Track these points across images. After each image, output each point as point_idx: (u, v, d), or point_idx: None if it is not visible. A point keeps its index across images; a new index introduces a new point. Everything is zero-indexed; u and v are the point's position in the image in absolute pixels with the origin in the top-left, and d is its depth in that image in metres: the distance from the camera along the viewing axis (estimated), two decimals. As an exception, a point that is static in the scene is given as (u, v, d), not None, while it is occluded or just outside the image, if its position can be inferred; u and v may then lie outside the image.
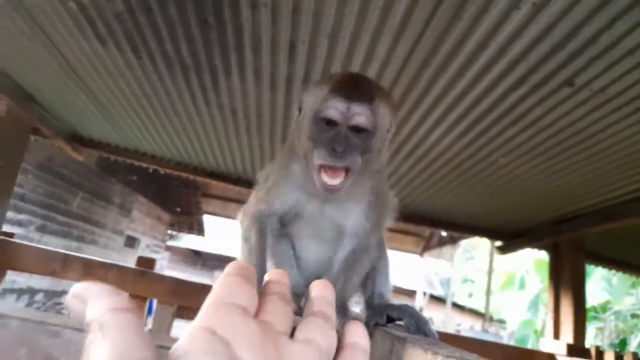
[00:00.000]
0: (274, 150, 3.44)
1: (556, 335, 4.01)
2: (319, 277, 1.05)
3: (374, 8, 1.81)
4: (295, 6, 1.88)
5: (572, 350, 3.75)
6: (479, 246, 19.68)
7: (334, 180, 0.94)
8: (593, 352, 3.68)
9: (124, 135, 3.77)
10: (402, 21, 1.87)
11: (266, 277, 0.57)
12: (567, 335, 3.92)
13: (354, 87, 0.98)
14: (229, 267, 0.50)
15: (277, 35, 2.10)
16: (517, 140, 2.65)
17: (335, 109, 0.95)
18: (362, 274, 1.12)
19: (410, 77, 2.23)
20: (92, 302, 0.39)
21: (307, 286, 1.09)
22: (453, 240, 10.32)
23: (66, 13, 2.20)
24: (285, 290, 0.53)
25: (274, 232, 1.22)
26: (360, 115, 0.94)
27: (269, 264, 1.23)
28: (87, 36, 2.36)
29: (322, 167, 0.95)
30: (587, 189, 3.16)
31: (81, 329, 0.74)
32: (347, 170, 0.95)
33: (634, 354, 3.38)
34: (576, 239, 4.00)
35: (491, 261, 12.94)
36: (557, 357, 3.80)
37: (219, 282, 0.48)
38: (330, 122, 0.96)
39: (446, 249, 12.61)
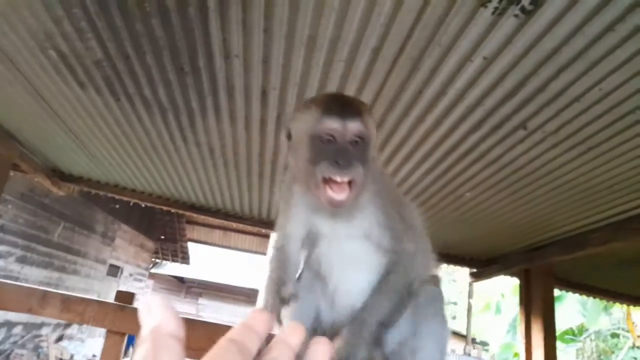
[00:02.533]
0: (251, 183, 3.53)
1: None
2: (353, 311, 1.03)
3: (338, 60, 1.94)
4: (265, 57, 2.00)
5: (544, 375, 3.84)
6: (461, 269, 19.79)
7: (340, 195, 0.97)
8: (565, 378, 3.77)
9: (104, 170, 3.83)
10: (365, 72, 2.00)
11: (281, 331, 0.62)
12: (539, 359, 4.01)
13: (344, 105, 1.05)
14: (246, 316, 0.58)
15: (250, 83, 2.21)
16: (481, 176, 2.78)
17: (332, 127, 1.00)
18: (392, 297, 0.99)
19: (376, 120, 2.35)
20: (153, 317, 0.45)
21: (342, 323, 1.06)
22: (435, 264, 10.41)
23: (46, 60, 2.29)
24: (294, 342, 0.59)
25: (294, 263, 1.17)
26: (355, 129, 1.01)
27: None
28: (67, 81, 2.45)
29: (326, 183, 0.98)
30: (552, 220, 3.30)
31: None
32: (350, 184, 0.98)
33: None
34: (545, 266, 4.12)
35: (471, 284, 13.01)
36: (532, 382, 3.88)
37: (232, 329, 0.54)
38: (328, 140, 1.01)
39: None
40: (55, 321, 8.87)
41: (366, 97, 2.16)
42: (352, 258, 1.11)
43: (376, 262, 1.09)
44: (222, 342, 0.53)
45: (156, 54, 2.13)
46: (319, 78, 2.09)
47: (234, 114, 2.54)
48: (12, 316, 7.54)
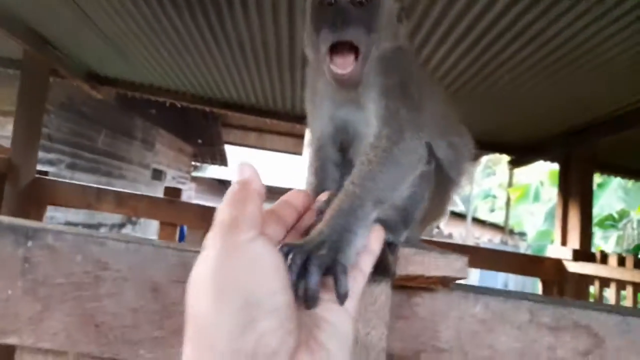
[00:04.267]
0: (283, 77, 3.52)
1: (564, 242, 4.20)
2: None
3: None
4: None
5: (577, 255, 3.95)
6: (500, 161, 19.60)
7: (344, 69, 0.87)
8: (598, 256, 3.88)
9: (139, 72, 3.88)
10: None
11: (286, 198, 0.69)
12: (574, 241, 4.10)
13: None
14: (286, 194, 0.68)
15: (275, -36, 2.13)
16: (521, 56, 2.67)
17: None
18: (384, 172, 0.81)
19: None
20: (244, 175, 0.54)
21: None
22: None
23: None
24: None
25: (332, 163, 1.07)
26: None
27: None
28: (92, -22, 2.43)
29: (330, 56, 0.88)
30: (596, 100, 3.19)
31: (120, 240, 0.93)
32: (356, 54, 0.88)
33: (635, 255, 3.55)
34: (586, 150, 4.06)
35: (511, 175, 12.99)
36: (564, 262, 4.02)
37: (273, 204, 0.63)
38: (329, 3, 0.89)
39: (466, 167, 12.67)
40: (110, 222, 9.56)
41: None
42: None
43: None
44: (264, 212, 0.61)
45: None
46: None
47: (260, 3, 2.47)
48: (72, 217, 8.15)
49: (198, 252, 0.89)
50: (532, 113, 3.62)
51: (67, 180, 3.68)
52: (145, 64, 3.63)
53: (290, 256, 0.58)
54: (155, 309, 0.93)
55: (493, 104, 3.51)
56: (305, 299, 0.55)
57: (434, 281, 0.91)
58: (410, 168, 0.88)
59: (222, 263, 0.48)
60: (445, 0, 2.24)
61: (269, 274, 0.49)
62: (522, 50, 2.61)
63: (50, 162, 7.48)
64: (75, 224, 8.44)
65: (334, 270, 0.59)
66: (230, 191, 0.53)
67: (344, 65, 0.87)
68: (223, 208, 0.52)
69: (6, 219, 0.95)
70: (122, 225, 10.31)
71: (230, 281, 0.47)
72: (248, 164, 0.56)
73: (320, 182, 1.03)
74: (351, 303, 0.59)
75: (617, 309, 0.97)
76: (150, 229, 9.97)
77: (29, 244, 0.93)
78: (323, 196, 0.80)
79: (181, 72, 3.70)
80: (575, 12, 2.18)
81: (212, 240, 0.50)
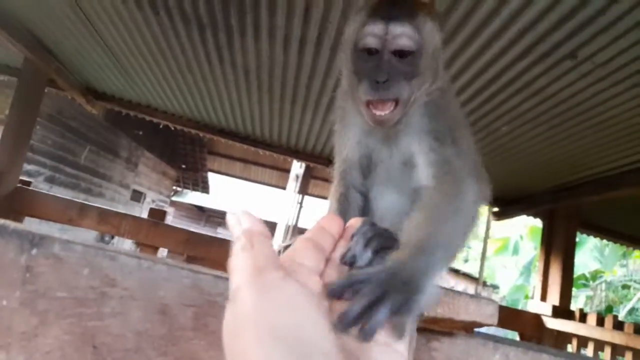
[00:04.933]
0: (283, 109, 3.53)
1: (543, 298, 4.20)
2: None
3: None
4: (312, -30, 1.94)
5: (557, 311, 3.95)
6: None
7: (382, 113, 0.85)
8: (577, 314, 3.88)
9: (137, 90, 3.84)
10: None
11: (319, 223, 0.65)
12: (554, 297, 4.11)
13: (392, 5, 0.87)
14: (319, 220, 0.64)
15: (293, -2, 2.16)
16: (520, 109, 2.73)
17: (373, 34, 0.85)
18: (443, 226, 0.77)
19: (440, 21, 2.29)
20: (243, 223, 0.52)
21: None
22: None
23: (88, -32, 2.25)
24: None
25: (356, 189, 1.08)
26: (400, 36, 0.84)
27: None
28: (107, -8, 2.42)
29: (369, 103, 0.86)
30: (586, 159, 3.26)
31: (133, 256, 0.87)
32: (396, 101, 0.86)
33: (614, 317, 3.56)
34: (571, 207, 4.13)
35: (487, 228, 13.10)
36: (543, 317, 4.00)
37: (296, 243, 0.59)
38: (370, 51, 0.86)
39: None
40: (81, 240, 9.26)
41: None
42: (397, 180, 1.01)
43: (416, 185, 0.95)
44: (300, 241, 0.59)
45: (199, -36, 2.08)
46: (366, -5, 2.03)
47: (273, 32, 2.49)
48: (44, 232, 7.87)
49: (215, 276, 0.84)
50: (524, 166, 3.67)
51: (49, 193, 3.55)
52: (147, 83, 3.60)
53: (361, 287, 0.54)
54: (161, 333, 0.86)
55: (486, 155, 3.56)
56: (361, 333, 0.50)
57: (459, 326, 0.87)
58: (474, 217, 0.88)
59: (261, 304, 0.44)
60: (453, 50, 2.29)
61: (311, 315, 0.46)
62: (523, 104, 2.67)
63: (29, 174, 7.28)
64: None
65: (402, 313, 0.55)
66: (238, 240, 0.51)
67: (383, 109, 0.85)
68: (238, 254, 0.49)
69: (12, 224, 0.89)
70: (94, 245, 9.99)
71: (273, 323, 0.43)
72: (244, 211, 0.55)
73: (343, 210, 1.01)
74: (404, 345, 0.55)
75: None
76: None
77: (34, 251, 0.87)
78: (355, 221, 0.76)
79: (181, 94, 3.68)
80: (577, 72, 2.25)
81: (242, 284, 0.46)
